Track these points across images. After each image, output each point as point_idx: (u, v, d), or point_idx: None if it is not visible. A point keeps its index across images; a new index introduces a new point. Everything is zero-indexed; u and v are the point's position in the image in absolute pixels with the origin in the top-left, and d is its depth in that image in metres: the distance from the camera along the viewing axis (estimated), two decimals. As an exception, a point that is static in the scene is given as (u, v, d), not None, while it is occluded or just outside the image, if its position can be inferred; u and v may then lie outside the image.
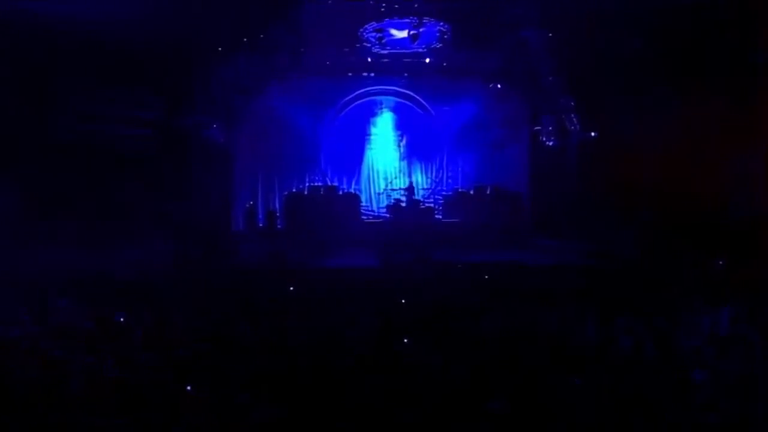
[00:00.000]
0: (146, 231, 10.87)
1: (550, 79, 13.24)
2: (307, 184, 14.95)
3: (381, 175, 15.85)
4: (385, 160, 15.89)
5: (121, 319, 5.82)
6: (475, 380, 3.87)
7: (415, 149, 15.91)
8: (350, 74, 15.11)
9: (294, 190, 14.78)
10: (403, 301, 6.12)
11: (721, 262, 8.94)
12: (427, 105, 15.75)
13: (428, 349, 4.49)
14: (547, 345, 4.68)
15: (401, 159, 15.89)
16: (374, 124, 15.89)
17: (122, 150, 11.52)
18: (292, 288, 6.99)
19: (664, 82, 10.87)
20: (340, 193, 14.50)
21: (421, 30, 12.13)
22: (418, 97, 15.72)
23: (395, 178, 15.68)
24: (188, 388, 3.79)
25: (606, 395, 3.71)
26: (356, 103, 15.74)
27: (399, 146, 15.89)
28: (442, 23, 12.14)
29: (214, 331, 5.29)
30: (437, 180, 15.91)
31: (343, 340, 4.77)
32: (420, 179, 15.74)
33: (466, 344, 4.63)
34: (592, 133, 13.25)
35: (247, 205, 14.52)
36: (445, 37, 12.72)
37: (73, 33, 9.87)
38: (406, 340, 4.73)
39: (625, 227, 11.18)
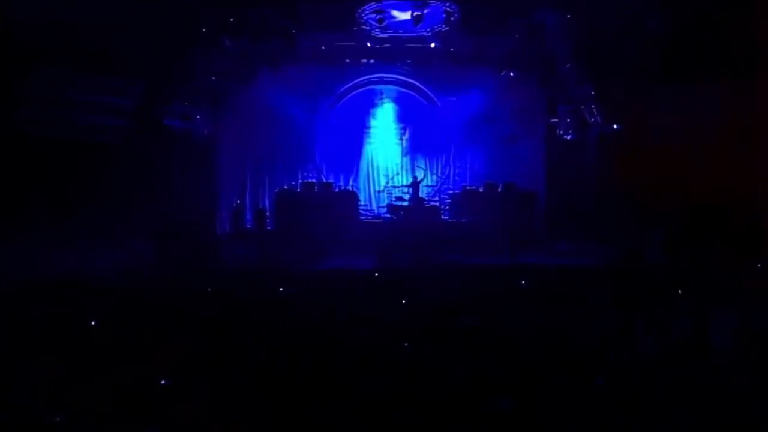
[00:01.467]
0: (122, 232, 10.91)
1: (568, 65, 13.29)
2: (300, 181, 14.97)
3: (381, 172, 15.94)
4: (385, 155, 15.97)
5: (93, 323, 5.91)
6: (479, 381, 3.95)
7: (418, 143, 15.97)
8: (348, 61, 15.15)
9: (286, 187, 14.78)
10: (404, 301, 6.24)
11: (759, 265, 8.99)
12: (432, 95, 15.81)
13: (429, 349, 4.57)
14: (561, 346, 4.75)
15: (404, 154, 15.97)
16: (374, 116, 15.96)
17: (94, 141, 11.50)
18: (282, 289, 7.10)
19: (695, 69, 10.90)
20: (337, 190, 14.53)
21: (425, 11, 12.12)
22: (422, 86, 15.77)
23: (397, 174, 15.77)
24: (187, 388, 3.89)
25: (628, 396, 3.77)
26: (354, 92, 15.80)
27: (401, 140, 15.97)
28: (448, 3, 12.08)
29: (208, 333, 5.36)
30: (443, 177, 15.99)
31: (342, 341, 4.86)
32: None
33: (469, 345, 4.71)
34: (614, 126, 13.31)
35: (235, 204, 14.57)
36: (452, 19, 12.64)
37: (36, 10, 9.83)
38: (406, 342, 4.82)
39: (649, 228, 11.22)
